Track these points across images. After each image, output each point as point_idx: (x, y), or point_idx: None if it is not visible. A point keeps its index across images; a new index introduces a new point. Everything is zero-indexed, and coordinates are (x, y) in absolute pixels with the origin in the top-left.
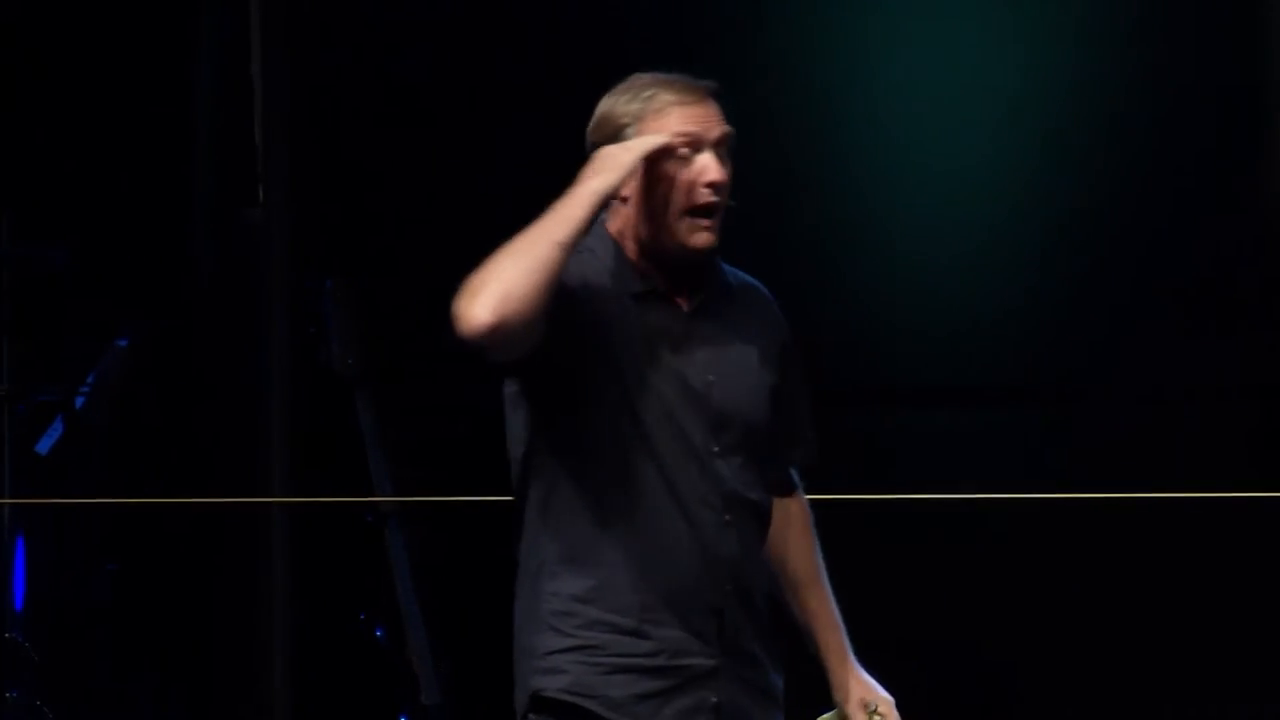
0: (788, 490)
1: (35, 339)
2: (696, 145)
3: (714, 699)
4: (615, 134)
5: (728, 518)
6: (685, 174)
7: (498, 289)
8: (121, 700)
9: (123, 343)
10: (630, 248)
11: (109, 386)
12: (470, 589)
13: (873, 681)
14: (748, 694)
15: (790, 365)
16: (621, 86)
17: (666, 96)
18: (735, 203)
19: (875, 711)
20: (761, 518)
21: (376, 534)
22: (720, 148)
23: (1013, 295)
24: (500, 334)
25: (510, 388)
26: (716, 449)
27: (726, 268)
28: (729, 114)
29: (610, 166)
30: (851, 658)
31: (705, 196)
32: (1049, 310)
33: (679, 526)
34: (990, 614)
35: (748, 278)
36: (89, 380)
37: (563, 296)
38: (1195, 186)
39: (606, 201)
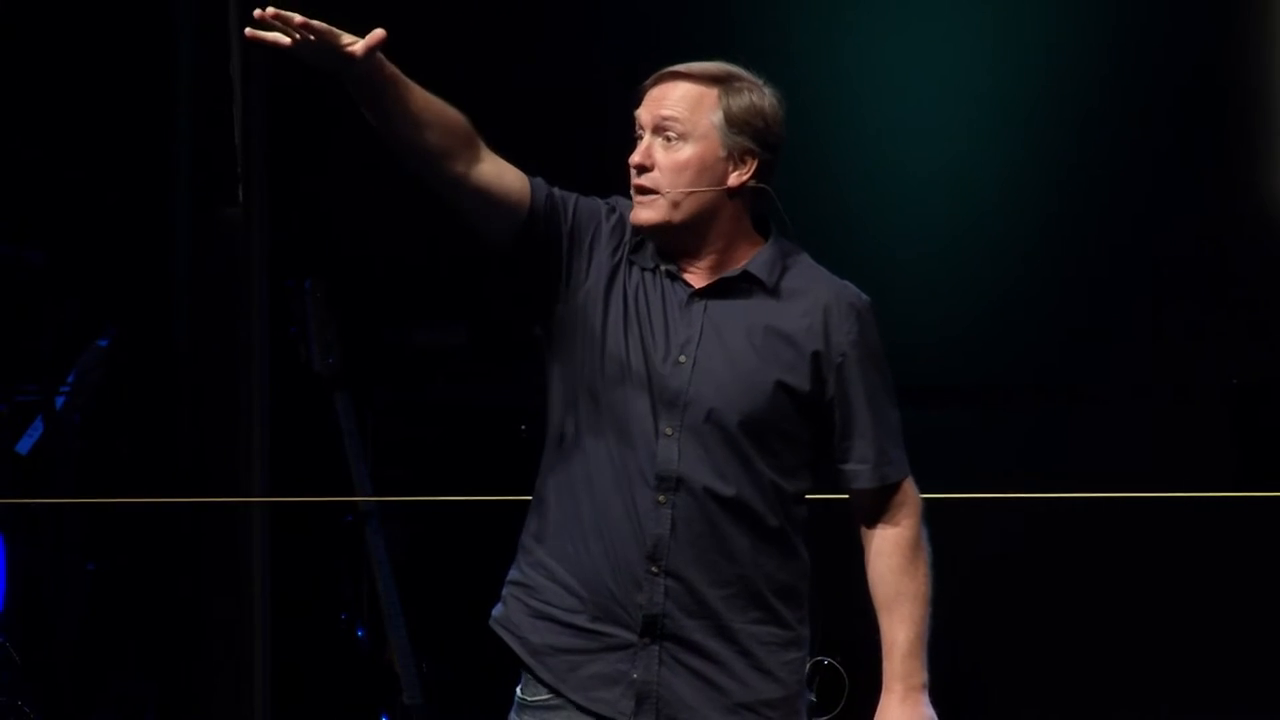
0: (863, 515)
1: (14, 339)
2: (641, 129)
3: (634, 675)
4: None
5: (661, 499)
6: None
7: None
8: (102, 700)
9: (103, 343)
10: None
11: (89, 386)
12: (451, 589)
13: (895, 717)
14: (693, 685)
15: (845, 381)
16: None
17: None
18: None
19: None
20: (731, 509)
21: (357, 534)
22: (661, 131)
23: (994, 294)
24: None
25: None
26: (669, 430)
27: (805, 265)
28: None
29: None
30: (892, 688)
31: (632, 177)
32: (1027, 310)
33: (616, 497)
34: (964, 615)
35: (830, 283)
36: (69, 380)
37: (581, 244)
38: (1178, 185)
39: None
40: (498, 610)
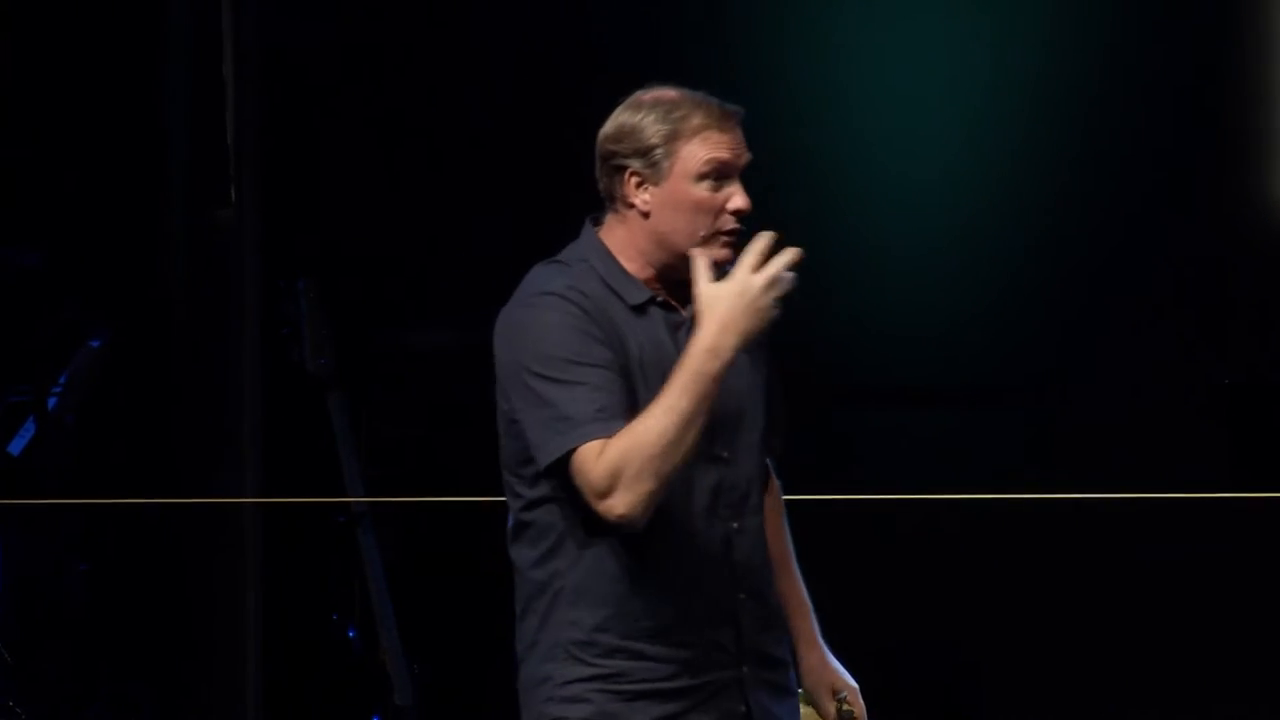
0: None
1: (7, 340)
2: (726, 172)
3: (742, 708)
4: (644, 152)
5: (735, 525)
6: (713, 200)
7: (654, 490)
8: (93, 701)
9: (95, 343)
10: (631, 256)
11: (81, 387)
12: (443, 590)
13: (840, 667)
14: (772, 695)
15: (772, 357)
16: (646, 99)
17: (698, 119)
18: None
19: (844, 700)
20: (763, 513)
21: (349, 534)
22: (739, 173)
23: (985, 296)
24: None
25: (505, 405)
26: (724, 453)
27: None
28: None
29: (729, 344)
30: (820, 642)
31: (730, 224)
32: (1023, 310)
33: (688, 539)
34: (961, 615)
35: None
36: (61, 381)
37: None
38: (1173, 185)
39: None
40: (581, 710)
